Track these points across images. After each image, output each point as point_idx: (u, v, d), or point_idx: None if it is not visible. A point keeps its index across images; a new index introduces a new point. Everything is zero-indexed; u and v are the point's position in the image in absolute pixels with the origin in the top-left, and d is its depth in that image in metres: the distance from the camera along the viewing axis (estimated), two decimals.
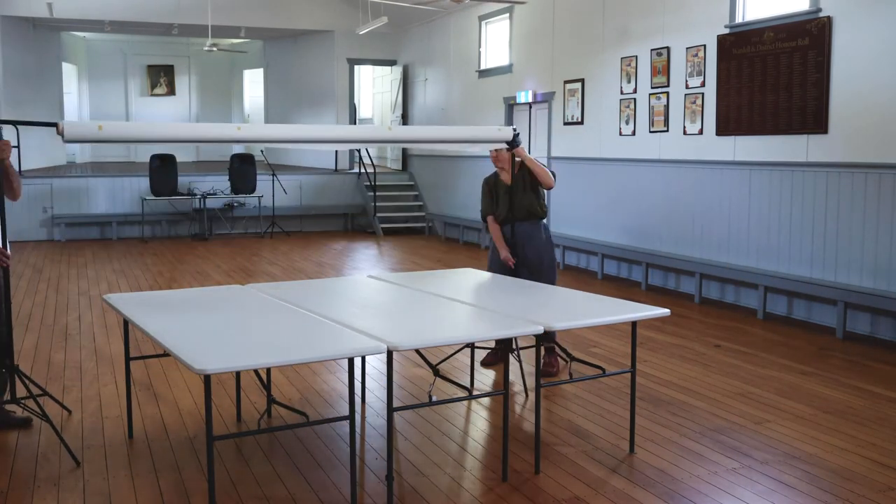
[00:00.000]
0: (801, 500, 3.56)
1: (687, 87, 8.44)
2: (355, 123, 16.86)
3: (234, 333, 3.51)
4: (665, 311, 4.12)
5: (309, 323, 3.67)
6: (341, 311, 3.95)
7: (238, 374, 4.56)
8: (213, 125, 4.84)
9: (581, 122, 10.23)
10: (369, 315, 3.96)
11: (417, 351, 4.45)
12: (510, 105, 11.74)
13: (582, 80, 10.16)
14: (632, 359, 4.14)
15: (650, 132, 9.00)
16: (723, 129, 7.98)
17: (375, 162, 14.70)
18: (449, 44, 13.74)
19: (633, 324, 4.05)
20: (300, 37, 16.52)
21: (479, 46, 12.73)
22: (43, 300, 7.92)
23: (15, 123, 3.73)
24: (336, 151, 14.79)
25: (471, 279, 5.21)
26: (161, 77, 19.95)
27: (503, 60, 12.05)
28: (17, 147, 13.36)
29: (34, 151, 13.60)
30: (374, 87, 17.20)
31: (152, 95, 19.97)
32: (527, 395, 4.99)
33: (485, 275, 5.27)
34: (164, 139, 4.09)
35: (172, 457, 3.97)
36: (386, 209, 14.40)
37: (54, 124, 3.51)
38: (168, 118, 19.14)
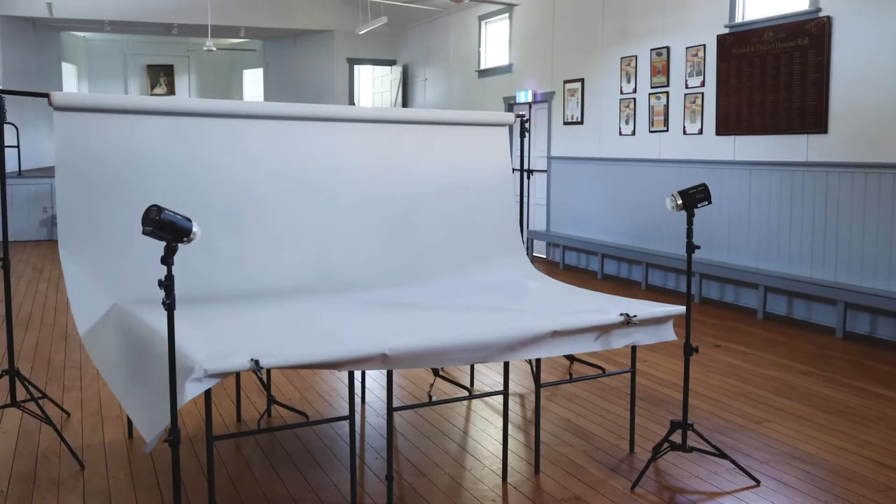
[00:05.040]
0: (801, 500, 3.56)
1: (687, 86, 8.44)
2: None
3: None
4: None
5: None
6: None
7: (238, 373, 4.56)
8: (212, 101, 4.82)
9: (581, 122, 10.24)
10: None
11: None
12: (510, 105, 11.74)
13: (582, 80, 10.16)
14: (632, 359, 4.14)
15: (650, 132, 9.00)
16: (723, 128, 7.98)
17: None
18: (449, 44, 13.74)
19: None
20: (300, 37, 16.52)
21: (479, 46, 12.74)
22: (43, 300, 7.92)
23: (4, 93, 3.76)
24: None
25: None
26: (161, 77, 19.94)
27: (503, 60, 12.05)
28: (17, 147, 13.29)
29: (34, 151, 13.61)
30: (374, 87, 17.19)
31: (152, 95, 19.97)
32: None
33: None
34: (155, 110, 4.07)
35: None
36: None
37: (46, 94, 3.72)
38: None
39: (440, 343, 3.28)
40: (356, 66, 16.18)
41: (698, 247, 3.82)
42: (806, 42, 7.01)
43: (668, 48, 8.66)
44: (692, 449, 3.84)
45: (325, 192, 4.41)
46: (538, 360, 3.83)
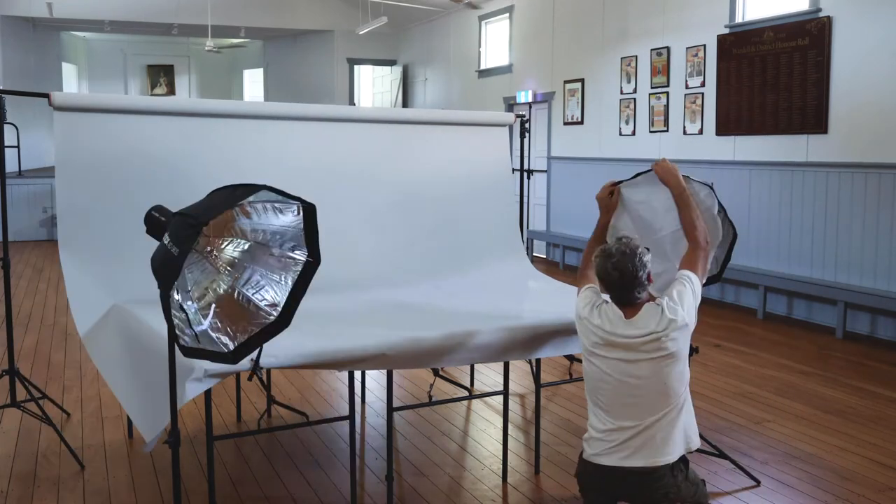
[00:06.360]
0: (801, 500, 3.56)
1: (687, 86, 8.44)
2: None
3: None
4: None
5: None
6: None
7: (238, 373, 4.56)
8: (212, 101, 4.82)
9: (581, 122, 10.24)
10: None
11: None
12: (510, 105, 11.74)
13: (582, 80, 10.16)
14: None
15: (650, 132, 9.00)
16: (723, 129, 7.98)
17: None
18: (449, 44, 13.74)
19: None
20: (300, 37, 16.52)
21: (479, 46, 12.73)
22: (43, 300, 7.92)
23: (4, 93, 3.77)
24: None
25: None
26: (161, 77, 19.95)
27: (503, 60, 12.05)
28: (17, 147, 13.27)
29: (34, 151, 13.61)
30: (374, 87, 17.21)
31: (152, 95, 19.97)
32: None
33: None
34: (155, 110, 4.07)
35: None
36: None
37: (46, 94, 3.71)
38: None
39: (440, 343, 3.28)
40: (356, 66, 16.18)
41: None
42: (806, 42, 7.01)
43: (668, 48, 8.66)
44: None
45: (323, 193, 4.38)
46: (538, 360, 3.83)
